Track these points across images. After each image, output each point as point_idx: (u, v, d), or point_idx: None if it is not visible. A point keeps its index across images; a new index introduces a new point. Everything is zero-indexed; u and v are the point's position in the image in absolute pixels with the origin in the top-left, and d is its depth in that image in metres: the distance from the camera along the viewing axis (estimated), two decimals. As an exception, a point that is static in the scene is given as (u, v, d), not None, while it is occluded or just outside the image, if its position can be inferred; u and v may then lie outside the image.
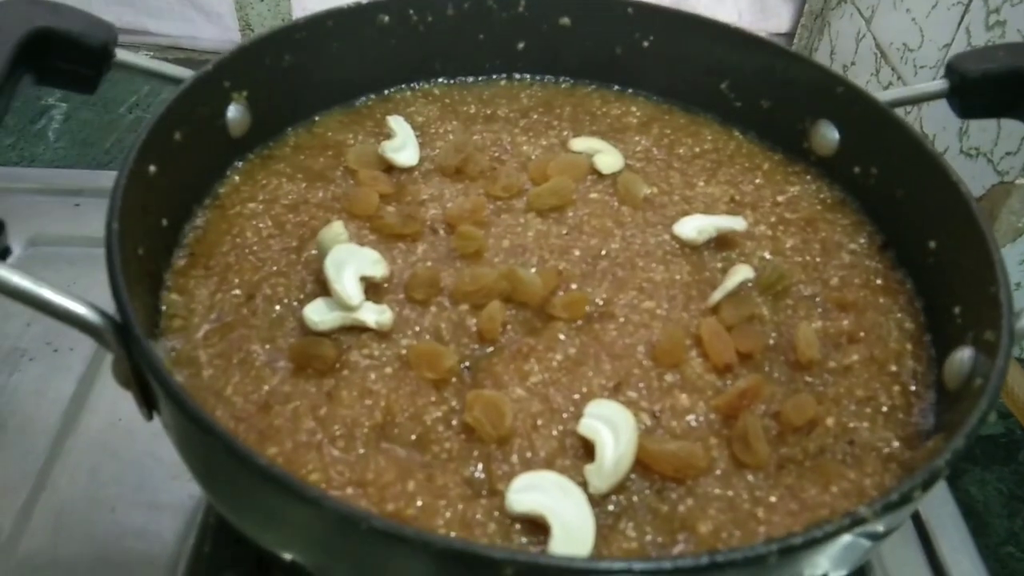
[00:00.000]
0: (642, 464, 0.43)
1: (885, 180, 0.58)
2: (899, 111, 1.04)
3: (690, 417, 0.46)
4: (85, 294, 0.41)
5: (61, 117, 1.09)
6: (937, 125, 0.97)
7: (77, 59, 0.51)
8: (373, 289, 0.51)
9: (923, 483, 0.35)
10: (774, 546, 0.32)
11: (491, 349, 0.49)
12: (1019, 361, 0.88)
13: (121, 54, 0.53)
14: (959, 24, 0.95)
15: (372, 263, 0.51)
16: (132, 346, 0.39)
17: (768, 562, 0.32)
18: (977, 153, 0.89)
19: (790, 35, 1.34)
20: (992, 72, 0.55)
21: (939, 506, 0.66)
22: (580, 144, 0.64)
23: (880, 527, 0.37)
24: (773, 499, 0.43)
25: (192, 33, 1.27)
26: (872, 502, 0.34)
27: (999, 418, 0.85)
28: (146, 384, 0.41)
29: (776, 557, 0.32)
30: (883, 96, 0.58)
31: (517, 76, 0.71)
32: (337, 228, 0.53)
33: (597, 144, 0.64)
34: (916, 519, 0.65)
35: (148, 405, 0.43)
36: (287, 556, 0.41)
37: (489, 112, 0.68)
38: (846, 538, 0.36)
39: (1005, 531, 0.73)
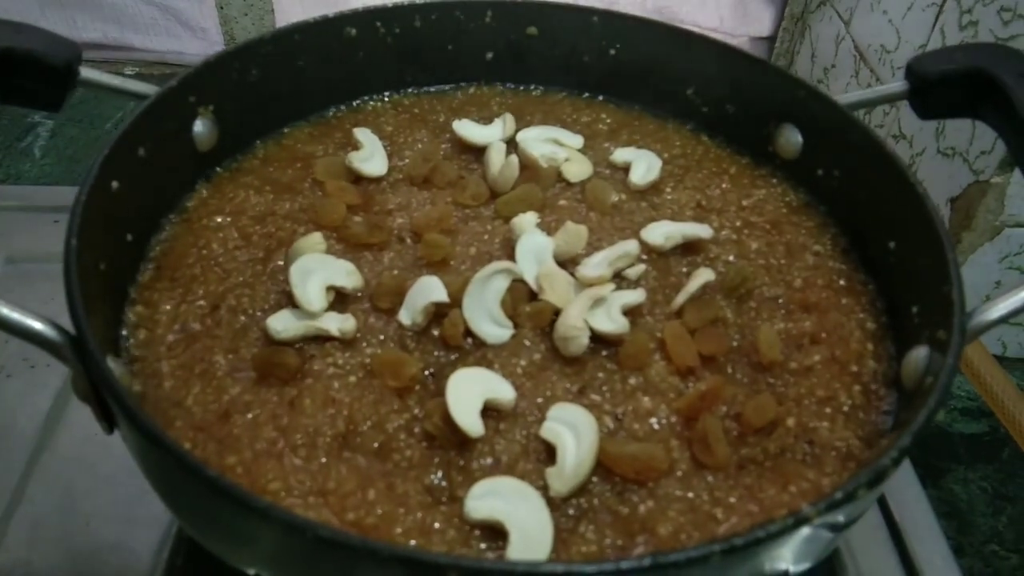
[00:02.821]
0: (604, 466, 0.44)
1: (847, 182, 0.58)
2: (878, 112, 1.04)
3: (652, 420, 0.47)
4: (62, 310, 0.42)
5: (47, 134, 1.10)
6: (914, 126, 0.98)
7: (40, 78, 0.52)
8: (341, 299, 0.52)
9: (868, 481, 0.35)
10: (716, 547, 0.32)
11: (455, 356, 0.49)
12: (997, 358, 0.88)
13: (85, 72, 0.54)
14: (934, 25, 0.96)
15: (345, 274, 0.52)
16: (88, 361, 0.40)
17: (711, 562, 0.32)
18: (953, 153, 0.90)
19: (771, 39, 1.34)
20: (950, 73, 0.56)
21: (912, 504, 0.66)
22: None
23: (835, 520, 0.37)
24: (732, 500, 0.43)
25: (178, 49, 1.28)
26: (816, 501, 0.34)
27: (982, 416, 0.85)
28: (104, 398, 0.41)
29: (719, 557, 0.32)
30: (844, 99, 0.58)
31: (487, 84, 0.72)
32: (316, 238, 0.54)
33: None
34: (889, 518, 0.65)
35: (107, 419, 0.43)
36: (251, 571, 0.41)
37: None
38: (801, 533, 0.36)
39: (989, 529, 0.73)
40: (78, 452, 0.65)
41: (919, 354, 0.46)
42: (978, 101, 0.56)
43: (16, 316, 0.40)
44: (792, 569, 0.39)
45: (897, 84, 0.58)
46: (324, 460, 0.44)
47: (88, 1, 1.22)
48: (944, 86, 0.56)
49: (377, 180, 0.61)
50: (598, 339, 0.50)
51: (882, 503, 0.67)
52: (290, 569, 0.38)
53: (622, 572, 0.31)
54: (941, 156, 0.91)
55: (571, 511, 0.42)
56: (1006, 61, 0.55)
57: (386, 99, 0.70)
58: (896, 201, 0.52)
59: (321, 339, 0.49)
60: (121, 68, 1.28)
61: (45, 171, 1.03)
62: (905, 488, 0.69)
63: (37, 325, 0.40)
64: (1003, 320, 0.43)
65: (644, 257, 0.56)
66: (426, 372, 0.48)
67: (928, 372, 0.43)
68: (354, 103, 0.69)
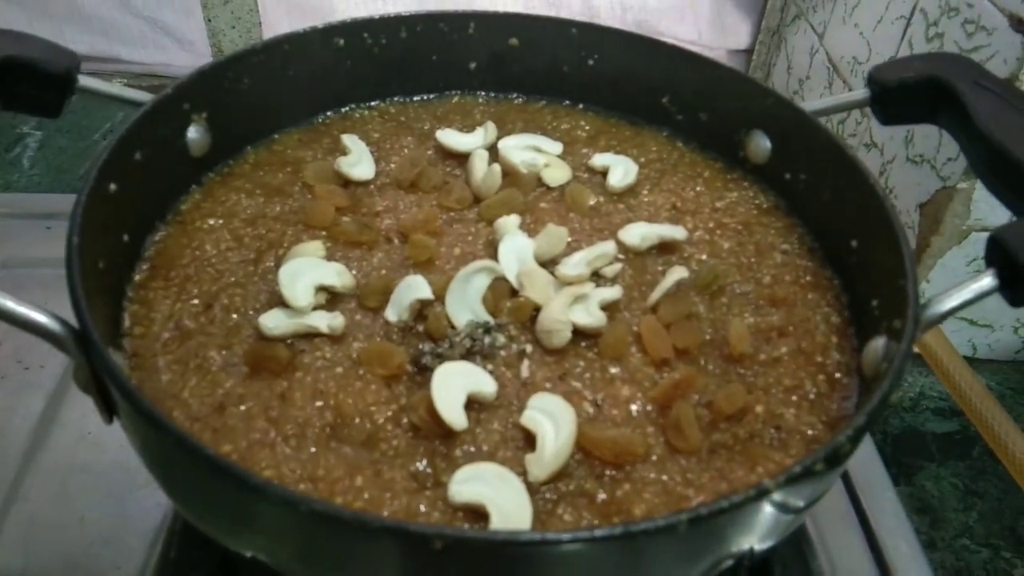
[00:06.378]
0: (584, 450, 0.46)
1: (813, 185, 0.61)
2: (851, 122, 1.07)
3: (629, 407, 0.49)
4: (58, 312, 0.43)
5: (36, 145, 1.11)
6: (885, 134, 1.01)
7: (41, 85, 0.54)
8: (332, 298, 0.54)
9: (825, 458, 0.38)
10: (683, 516, 0.34)
11: (440, 350, 0.51)
12: (967, 359, 0.91)
13: (83, 80, 0.56)
14: (902, 37, 0.99)
15: (336, 274, 0.54)
16: (90, 351, 0.41)
17: (678, 531, 0.34)
18: (922, 160, 0.93)
19: (749, 51, 1.37)
20: (909, 81, 0.59)
21: (882, 499, 0.69)
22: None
23: (792, 500, 0.39)
24: (704, 481, 0.45)
25: (165, 60, 1.30)
26: (776, 475, 0.37)
27: (953, 416, 0.88)
28: (105, 388, 0.43)
29: (686, 526, 0.34)
30: (809, 106, 0.61)
31: (470, 93, 0.74)
32: (315, 245, 0.56)
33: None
34: (861, 515, 0.68)
35: (108, 409, 0.45)
36: (247, 554, 0.43)
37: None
38: (761, 510, 0.38)
39: (960, 524, 0.76)
40: (71, 451, 0.67)
41: (877, 344, 0.48)
42: (936, 108, 0.59)
43: (22, 310, 0.42)
44: (757, 547, 0.42)
45: (859, 92, 0.61)
46: (314, 449, 0.46)
47: (76, 14, 1.23)
48: (903, 94, 0.59)
49: (365, 184, 0.64)
50: (578, 331, 0.52)
51: (853, 498, 0.69)
52: (285, 547, 0.40)
53: (596, 540, 0.34)
54: (910, 163, 0.94)
55: (549, 494, 0.44)
56: (962, 70, 0.58)
57: (373, 107, 0.72)
58: (857, 201, 0.55)
59: (311, 336, 0.52)
60: (109, 80, 1.29)
61: (34, 181, 1.04)
62: (875, 483, 0.71)
63: (42, 318, 0.42)
64: (955, 311, 0.46)
65: (621, 257, 0.59)
66: (411, 366, 0.50)
67: (885, 359, 0.46)
68: (342, 110, 0.71)
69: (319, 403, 0.48)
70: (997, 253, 0.45)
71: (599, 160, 0.67)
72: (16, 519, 0.63)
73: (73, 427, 0.69)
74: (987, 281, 0.45)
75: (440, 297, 0.52)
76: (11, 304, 0.42)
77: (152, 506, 0.63)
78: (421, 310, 0.53)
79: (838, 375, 0.51)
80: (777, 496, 0.37)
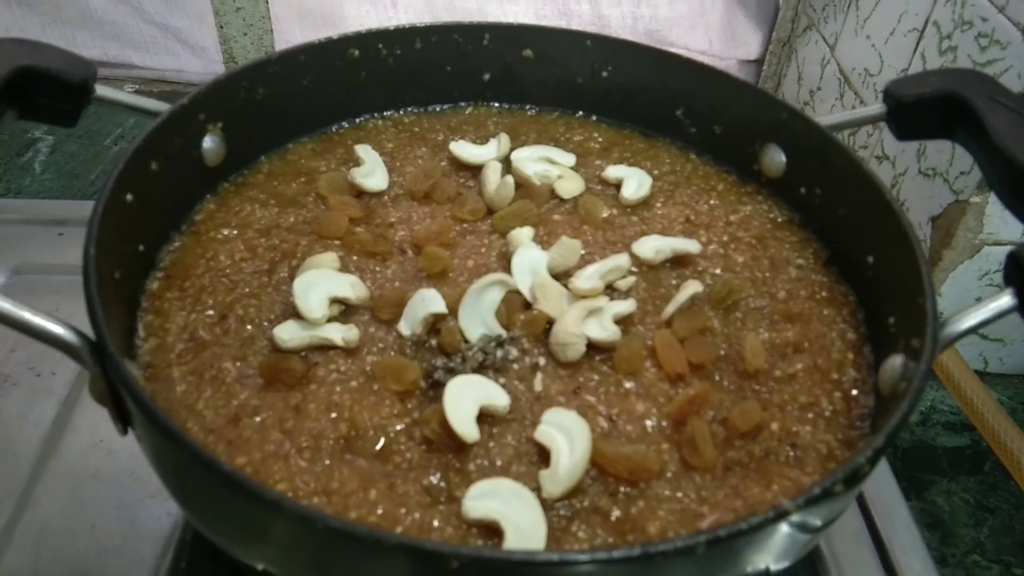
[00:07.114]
0: (598, 466, 0.46)
1: (828, 199, 0.61)
2: (862, 133, 1.07)
3: (644, 422, 0.49)
4: (68, 320, 0.44)
5: (47, 150, 1.12)
6: (897, 147, 1.00)
7: (58, 95, 0.54)
8: (345, 310, 0.54)
9: (844, 478, 0.37)
10: (702, 538, 0.34)
11: (452, 363, 0.51)
12: (979, 374, 0.91)
13: (100, 89, 0.56)
14: (915, 50, 0.99)
15: (349, 286, 0.54)
16: (106, 363, 0.41)
17: (697, 552, 0.34)
18: (934, 173, 0.92)
19: (759, 62, 1.37)
20: (925, 96, 0.59)
21: (894, 515, 0.68)
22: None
23: (810, 520, 0.39)
24: (718, 498, 0.45)
25: (177, 67, 1.30)
26: (796, 496, 0.36)
27: (965, 430, 0.87)
28: (120, 399, 0.43)
29: (704, 548, 0.34)
30: (825, 120, 0.61)
31: (484, 104, 0.74)
32: (329, 256, 0.56)
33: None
34: (873, 530, 0.67)
35: (123, 420, 0.45)
36: (259, 567, 0.43)
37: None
38: (779, 531, 0.38)
39: (971, 540, 0.75)
40: (83, 458, 0.67)
41: (895, 362, 0.48)
42: (952, 124, 0.59)
43: (39, 321, 0.42)
44: (773, 567, 0.41)
45: (875, 107, 0.61)
46: (328, 462, 0.46)
47: (89, 19, 1.24)
48: (919, 109, 0.59)
49: (378, 195, 0.64)
50: (592, 345, 0.52)
51: (866, 514, 0.69)
52: (299, 562, 0.40)
53: (614, 561, 0.33)
54: (922, 176, 0.94)
55: (564, 511, 0.44)
56: (979, 86, 0.58)
57: (387, 117, 0.72)
58: (874, 217, 0.55)
59: (325, 348, 0.51)
60: (120, 85, 1.30)
61: (45, 186, 1.05)
62: (888, 499, 0.71)
63: (59, 330, 0.42)
64: (974, 330, 0.46)
65: (635, 270, 0.58)
66: (424, 381, 0.50)
67: (903, 378, 0.46)
68: (356, 121, 0.71)
69: (333, 415, 0.48)
70: (1016, 272, 0.45)
71: (612, 172, 0.67)
72: (27, 526, 0.63)
73: (85, 435, 0.69)
74: (1006, 300, 0.45)
75: (453, 310, 0.52)
76: (28, 315, 0.42)
77: (163, 515, 0.63)
78: (435, 324, 0.53)
79: (854, 392, 0.51)
80: (796, 517, 0.36)
